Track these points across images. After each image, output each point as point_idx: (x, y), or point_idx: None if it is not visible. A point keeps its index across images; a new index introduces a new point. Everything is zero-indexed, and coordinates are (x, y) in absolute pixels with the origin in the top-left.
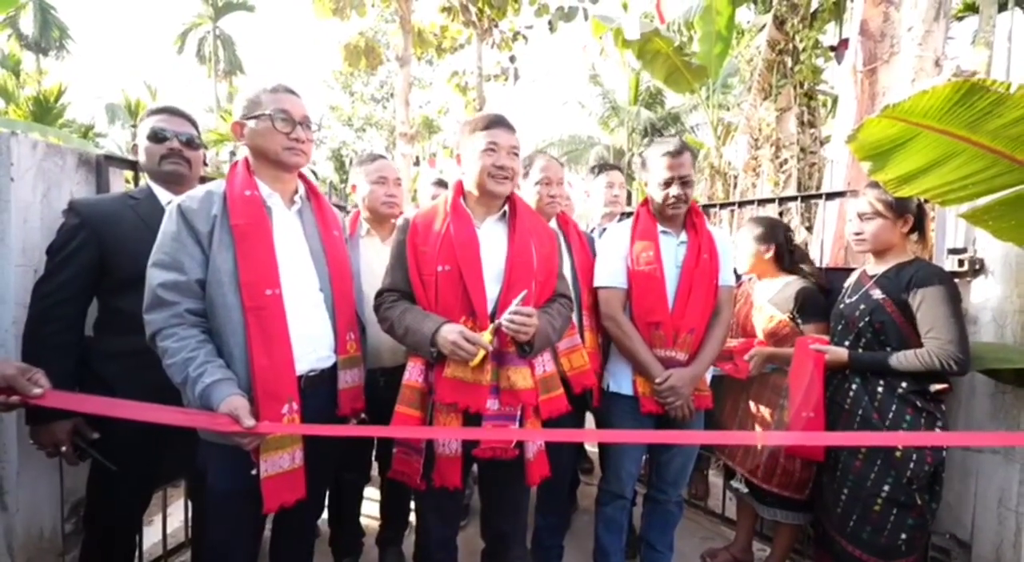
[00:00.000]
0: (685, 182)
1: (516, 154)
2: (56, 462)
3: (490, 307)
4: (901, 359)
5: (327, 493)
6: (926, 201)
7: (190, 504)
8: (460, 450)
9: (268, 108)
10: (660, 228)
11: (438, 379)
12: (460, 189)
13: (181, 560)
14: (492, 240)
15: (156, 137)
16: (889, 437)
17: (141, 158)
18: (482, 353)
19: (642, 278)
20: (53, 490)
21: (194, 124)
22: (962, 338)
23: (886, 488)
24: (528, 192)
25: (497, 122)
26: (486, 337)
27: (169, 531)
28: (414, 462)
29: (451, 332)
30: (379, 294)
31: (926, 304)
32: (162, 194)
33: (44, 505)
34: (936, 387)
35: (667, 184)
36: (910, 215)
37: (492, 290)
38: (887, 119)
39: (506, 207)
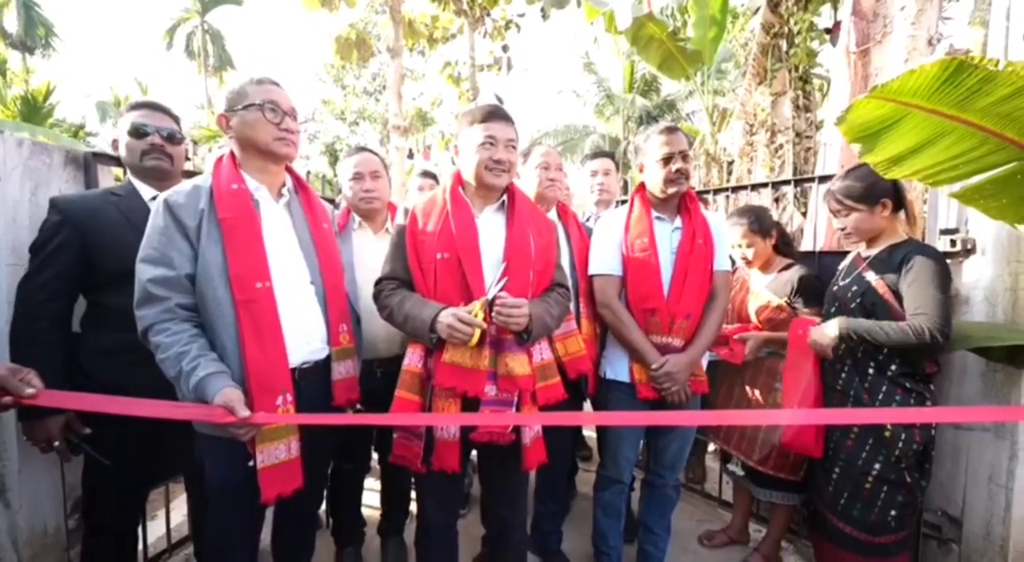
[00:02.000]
0: (685, 156)
1: (514, 147)
2: (56, 459)
3: (488, 294)
4: (888, 328)
5: (328, 484)
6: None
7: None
8: (458, 434)
9: (256, 99)
10: (655, 214)
11: (437, 364)
12: (459, 179)
13: (185, 553)
14: (491, 229)
15: (137, 133)
16: (883, 414)
17: (122, 153)
18: (478, 332)
19: (637, 265)
20: (55, 487)
21: (175, 119)
22: (946, 315)
23: (877, 466)
24: (528, 176)
25: (494, 114)
26: (477, 314)
27: (173, 525)
28: (414, 446)
29: (446, 316)
30: (378, 282)
31: (915, 284)
32: (144, 190)
33: (46, 502)
34: (929, 371)
35: (667, 160)
36: (887, 199)
37: (491, 278)
38: (876, 99)
39: (505, 197)
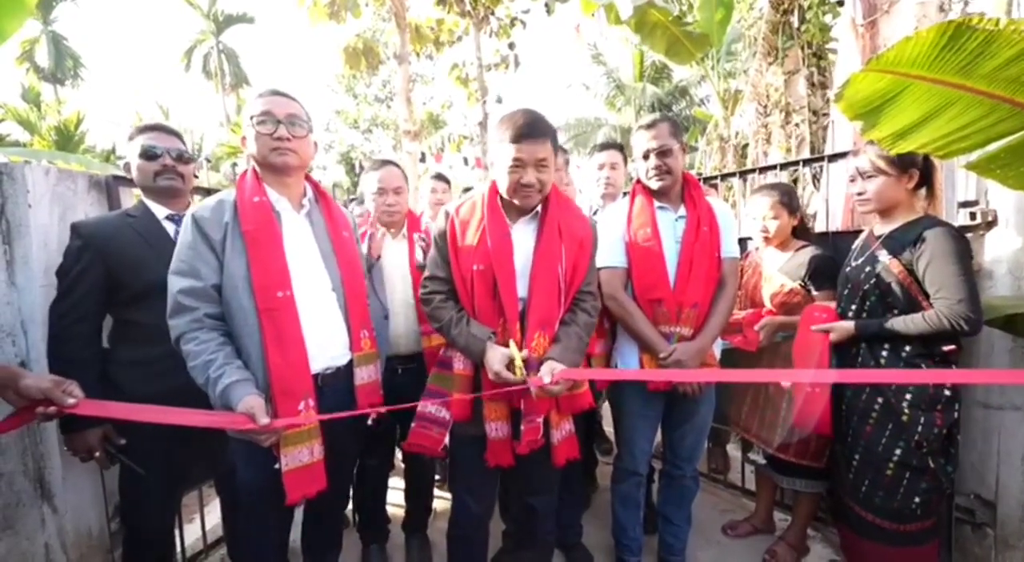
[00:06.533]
0: (661, 152)
1: (544, 165)
2: (96, 467)
3: (519, 306)
4: (909, 323)
5: (352, 484)
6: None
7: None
8: (509, 433)
9: (252, 113)
10: (657, 204)
11: (485, 377)
12: (495, 190)
13: (220, 553)
14: (522, 240)
15: (148, 155)
16: (902, 374)
17: (134, 175)
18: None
19: (641, 255)
20: (96, 492)
21: (182, 139)
22: (972, 296)
23: (897, 452)
24: None
25: (524, 135)
26: (518, 365)
27: (208, 528)
28: (434, 435)
29: (492, 367)
30: (425, 282)
31: (934, 263)
32: (157, 209)
33: (89, 507)
34: (946, 348)
35: (645, 156)
36: (915, 170)
37: (520, 289)
38: (873, 73)
39: (540, 206)
